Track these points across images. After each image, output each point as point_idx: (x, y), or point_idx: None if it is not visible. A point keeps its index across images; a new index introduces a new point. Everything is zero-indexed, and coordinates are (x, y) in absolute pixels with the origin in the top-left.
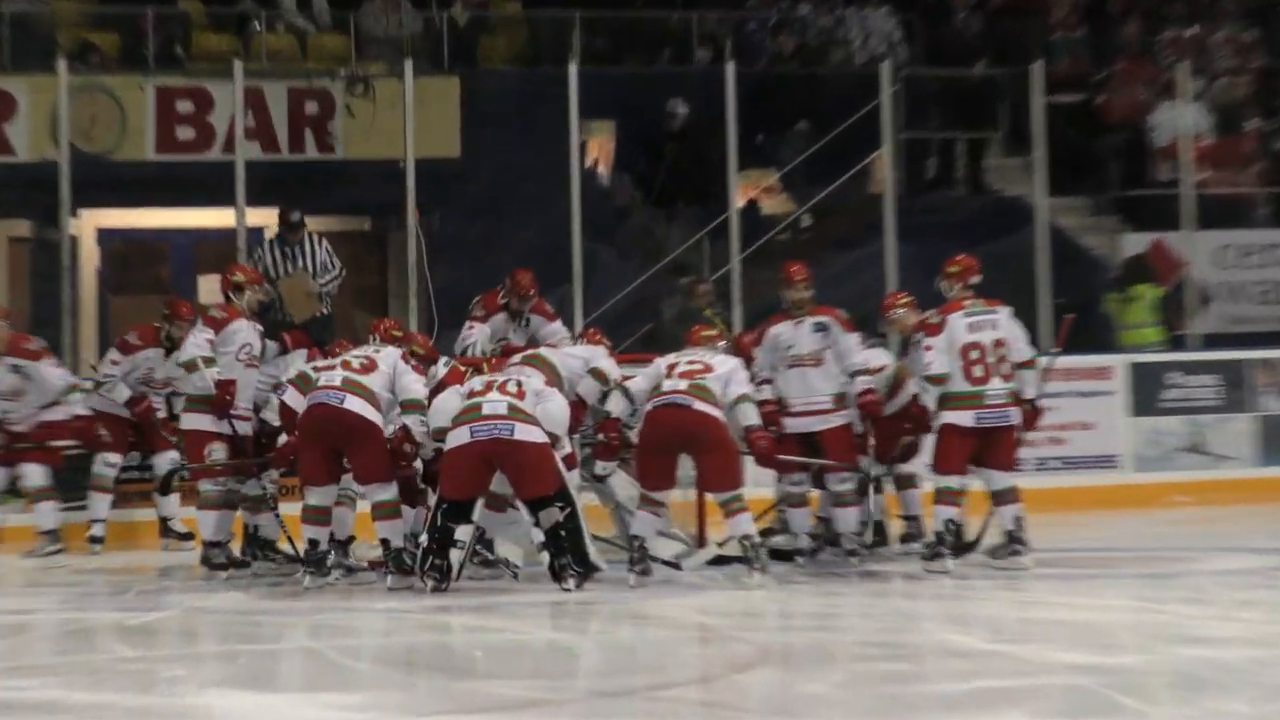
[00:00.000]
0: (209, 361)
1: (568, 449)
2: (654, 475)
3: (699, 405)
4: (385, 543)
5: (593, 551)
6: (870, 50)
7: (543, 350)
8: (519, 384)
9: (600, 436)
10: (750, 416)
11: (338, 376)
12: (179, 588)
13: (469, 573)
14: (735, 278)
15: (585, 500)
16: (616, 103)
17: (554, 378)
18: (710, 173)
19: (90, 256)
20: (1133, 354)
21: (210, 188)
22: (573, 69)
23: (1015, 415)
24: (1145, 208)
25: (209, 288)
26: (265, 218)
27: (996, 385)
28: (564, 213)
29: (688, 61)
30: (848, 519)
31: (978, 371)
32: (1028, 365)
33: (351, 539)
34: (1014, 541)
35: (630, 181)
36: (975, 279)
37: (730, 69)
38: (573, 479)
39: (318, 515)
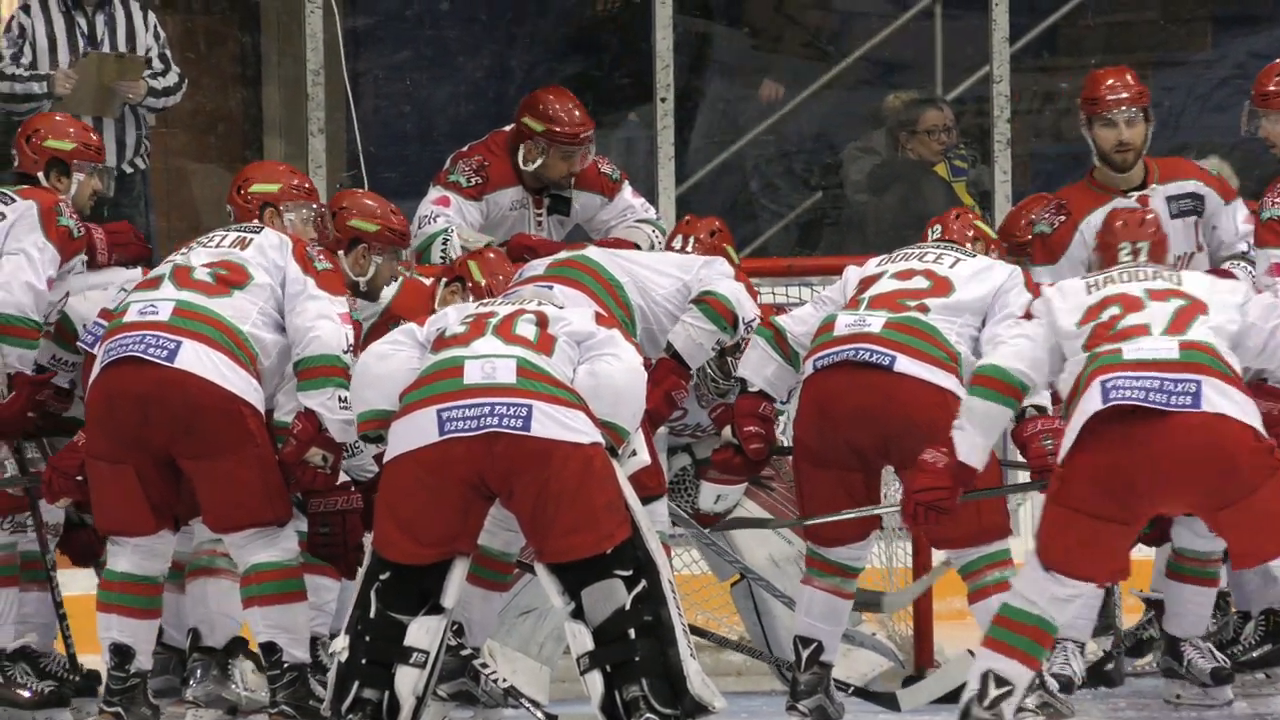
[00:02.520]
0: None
1: (644, 456)
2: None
3: (918, 367)
4: (269, 651)
5: (696, 675)
6: None
7: (593, 252)
8: (540, 318)
9: (726, 434)
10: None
11: (163, 301)
12: None
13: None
14: None
15: (682, 562)
16: None
17: (615, 306)
18: None
19: None
20: None
21: None
22: None
23: None
24: None
25: None
26: None
27: None
28: None
29: None
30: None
31: None
32: None
33: (239, 643)
34: None
35: None
36: None
37: None
38: (657, 518)
39: (129, 594)
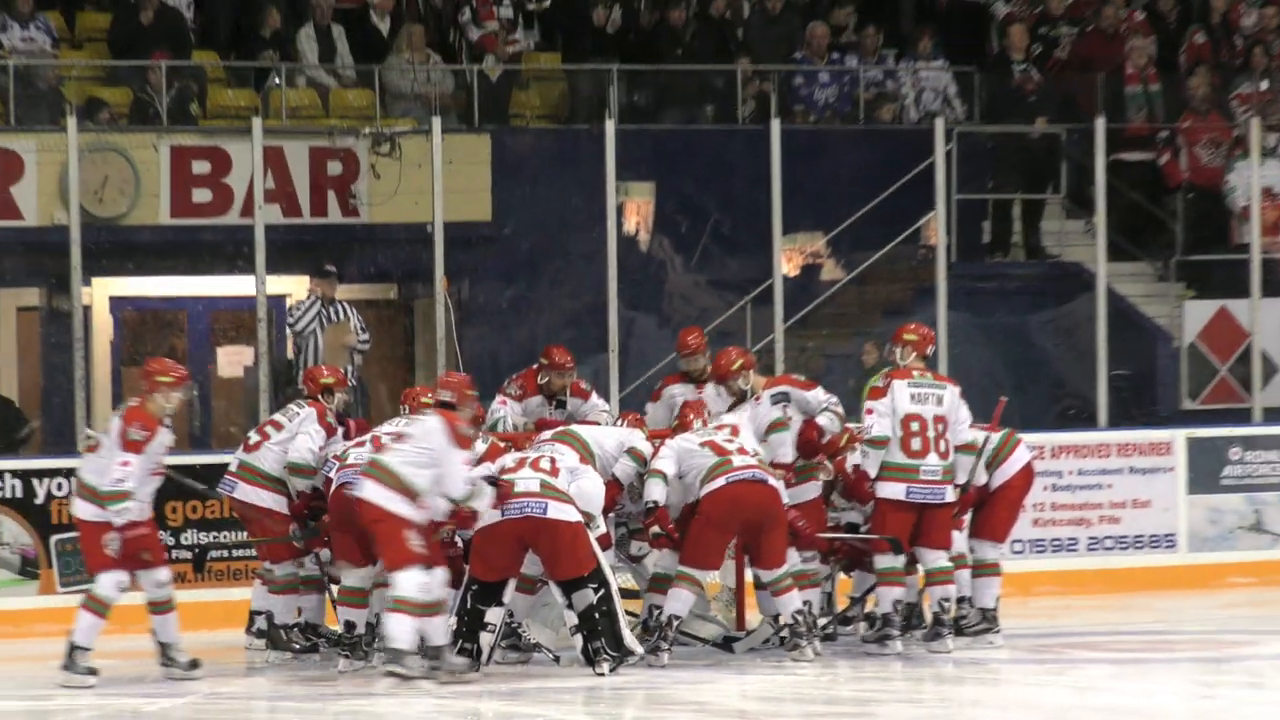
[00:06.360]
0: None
1: (602, 528)
2: (711, 554)
3: (771, 480)
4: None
5: (628, 635)
6: (924, 106)
7: (576, 427)
8: (552, 460)
9: (653, 530)
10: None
11: (365, 454)
12: (208, 672)
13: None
14: (779, 347)
15: (622, 580)
16: (656, 161)
17: (587, 455)
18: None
19: (104, 326)
20: (1192, 428)
21: (228, 254)
22: (610, 126)
23: (950, 494)
24: (1213, 274)
25: (229, 359)
26: (287, 285)
27: (932, 461)
28: (600, 278)
29: (731, 119)
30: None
31: (915, 444)
32: (967, 449)
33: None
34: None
35: (670, 245)
36: (930, 350)
37: (775, 126)
38: (607, 559)
39: (354, 597)
